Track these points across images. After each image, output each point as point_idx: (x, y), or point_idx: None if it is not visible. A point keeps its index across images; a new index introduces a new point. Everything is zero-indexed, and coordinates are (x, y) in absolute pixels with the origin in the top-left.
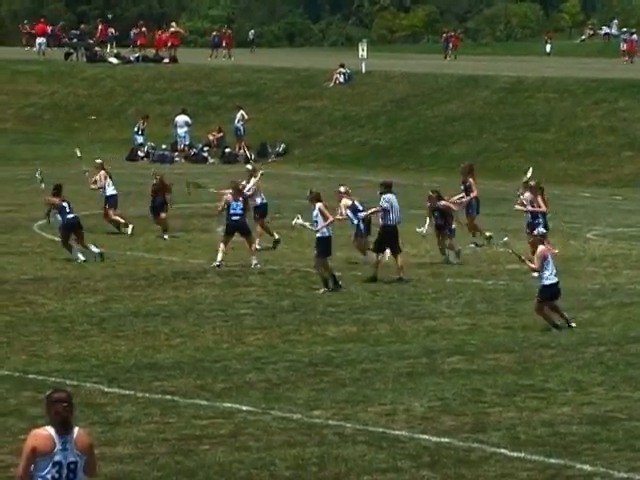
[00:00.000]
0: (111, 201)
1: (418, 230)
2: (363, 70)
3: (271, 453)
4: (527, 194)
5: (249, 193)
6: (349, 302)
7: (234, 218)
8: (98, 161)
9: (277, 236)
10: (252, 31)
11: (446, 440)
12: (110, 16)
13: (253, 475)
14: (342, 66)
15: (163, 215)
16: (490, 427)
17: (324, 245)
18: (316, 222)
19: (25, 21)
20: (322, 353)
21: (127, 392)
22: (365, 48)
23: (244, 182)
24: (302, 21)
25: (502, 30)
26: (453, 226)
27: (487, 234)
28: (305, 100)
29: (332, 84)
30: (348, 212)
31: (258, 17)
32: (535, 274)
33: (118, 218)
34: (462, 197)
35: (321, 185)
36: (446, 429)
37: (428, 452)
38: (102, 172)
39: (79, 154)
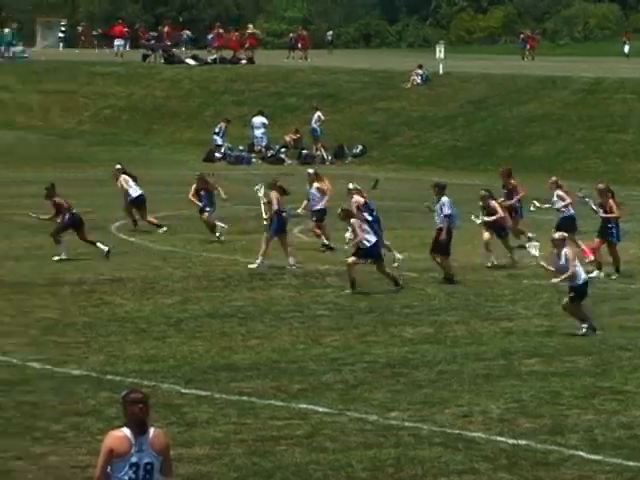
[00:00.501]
0: (137, 202)
1: (474, 219)
2: (440, 71)
3: (347, 454)
4: (557, 192)
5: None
6: (426, 303)
7: (284, 214)
8: (118, 166)
9: (328, 242)
10: (330, 32)
11: (523, 442)
12: (181, 19)
13: (329, 476)
14: (420, 67)
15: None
16: (568, 429)
17: (374, 251)
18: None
19: (82, 23)
20: (399, 354)
21: (204, 393)
22: (442, 49)
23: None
24: (379, 22)
25: (580, 31)
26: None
27: (529, 235)
28: (382, 101)
29: (409, 85)
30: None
31: (335, 19)
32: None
33: (153, 219)
34: (503, 201)
35: (398, 186)
36: (523, 431)
37: (505, 454)
38: (123, 176)
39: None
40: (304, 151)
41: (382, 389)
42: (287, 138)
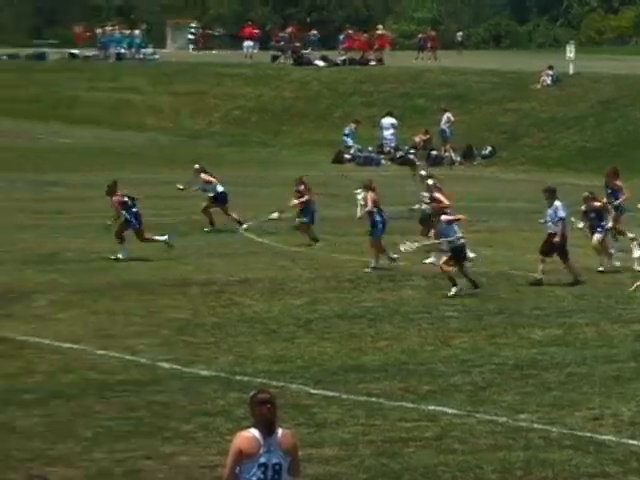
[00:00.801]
0: (220, 199)
1: (576, 224)
2: (571, 72)
3: (476, 456)
4: None
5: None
6: (555, 305)
7: (382, 215)
8: (196, 166)
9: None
10: (460, 33)
11: None
12: (309, 19)
13: (458, 478)
14: (550, 68)
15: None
16: None
17: (460, 251)
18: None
19: (199, 25)
20: (527, 356)
21: (333, 394)
22: (573, 50)
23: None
24: (509, 23)
25: None
26: (608, 225)
27: (630, 235)
28: (512, 102)
29: (539, 86)
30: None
31: (464, 19)
32: None
33: (233, 215)
34: (606, 202)
35: (528, 187)
36: None
37: (636, 457)
38: (202, 175)
39: (181, 187)
40: (433, 152)
41: (511, 391)
42: (416, 139)
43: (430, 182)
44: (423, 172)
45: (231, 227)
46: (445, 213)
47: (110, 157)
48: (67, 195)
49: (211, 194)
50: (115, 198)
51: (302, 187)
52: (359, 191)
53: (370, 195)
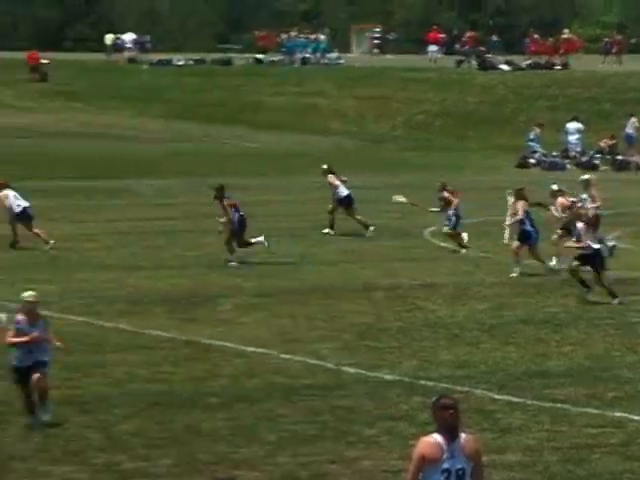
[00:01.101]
0: (346, 201)
1: None
2: None
3: None
4: None
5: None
6: None
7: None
8: (324, 166)
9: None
10: None
11: None
12: (491, 22)
13: None
14: None
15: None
16: None
17: (596, 259)
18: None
19: (374, 30)
20: None
21: (517, 399)
22: None
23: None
24: None
25: None
26: None
27: None
28: None
29: None
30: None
31: None
32: None
33: (360, 217)
34: None
35: None
36: None
37: None
38: (329, 176)
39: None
40: (619, 157)
41: None
42: (602, 144)
43: (554, 187)
44: (586, 176)
45: (360, 231)
46: (583, 221)
47: (295, 161)
48: (252, 199)
49: (336, 197)
50: (225, 201)
51: (445, 194)
52: (509, 191)
53: (521, 204)
